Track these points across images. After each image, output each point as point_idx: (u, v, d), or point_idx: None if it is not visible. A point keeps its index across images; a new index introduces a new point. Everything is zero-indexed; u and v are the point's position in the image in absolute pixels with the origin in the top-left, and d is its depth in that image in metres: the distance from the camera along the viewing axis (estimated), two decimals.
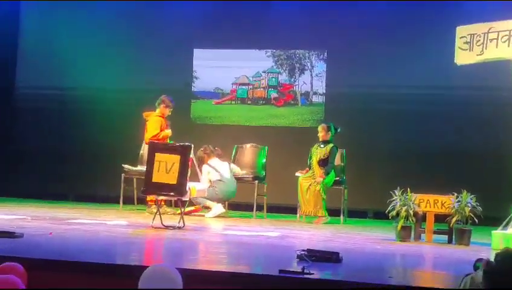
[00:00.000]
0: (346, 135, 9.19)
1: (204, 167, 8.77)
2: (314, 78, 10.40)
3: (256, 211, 8.94)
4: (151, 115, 8.80)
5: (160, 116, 8.76)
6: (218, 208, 8.66)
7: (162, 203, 8.43)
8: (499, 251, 3.50)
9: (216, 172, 8.80)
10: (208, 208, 8.72)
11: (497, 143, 9.01)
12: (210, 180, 8.72)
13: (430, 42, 9.17)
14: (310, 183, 8.62)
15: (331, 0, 10.00)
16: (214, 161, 8.89)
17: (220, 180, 8.78)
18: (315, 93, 10.40)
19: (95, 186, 10.27)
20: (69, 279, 4.34)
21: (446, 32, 6.88)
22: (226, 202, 9.09)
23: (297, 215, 8.74)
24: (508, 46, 6.33)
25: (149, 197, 8.27)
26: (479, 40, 6.46)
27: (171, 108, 8.85)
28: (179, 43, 10.53)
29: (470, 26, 6.62)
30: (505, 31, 6.34)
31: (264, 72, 10.57)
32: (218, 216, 8.62)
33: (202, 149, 8.88)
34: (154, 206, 7.60)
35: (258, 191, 8.99)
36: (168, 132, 8.68)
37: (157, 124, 8.69)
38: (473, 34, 6.54)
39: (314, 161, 8.73)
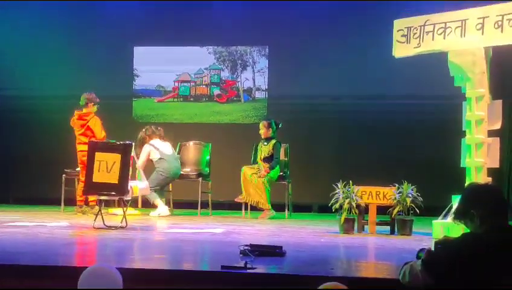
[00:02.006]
0: (289, 130, 9.23)
1: (145, 147, 8.77)
2: (256, 74, 10.40)
3: (201, 208, 8.88)
4: (89, 116, 8.61)
5: (96, 116, 8.63)
6: (163, 210, 8.56)
7: (81, 203, 8.38)
8: (438, 240, 3.56)
9: (156, 150, 8.76)
10: (155, 206, 8.64)
11: (436, 135, 9.19)
12: (152, 161, 8.73)
13: (374, 35, 9.16)
14: (254, 172, 8.60)
15: None
16: (155, 141, 8.84)
17: (161, 158, 8.73)
18: (258, 89, 10.41)
19: (35, 188, 10.03)
20: (8, 283, 4.20)
21: (389, 25, 6.92)
22: (171, 202, 8.98)
23: (242, 211, 8.71)
24: (444, 38, 6.44)
25: (91, 198, 8.13)
26: (416, 33, 6.55)
27: (98, 104, 8.68)
28: (118, 41, 10.37)
29: (407, 19, 6.71)
30: (441, 23, 6.45)
31: (206, 69, 10.52)
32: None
33: (144, 130, 8.88)
34: (97, 206, 7.49)
35: (202, 188, 8.94)
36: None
37: (100, 125, 8.57)
38: (410, 27, 6.64)
39: (259, 158, 8.73)
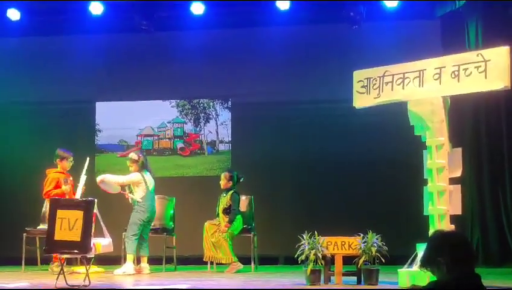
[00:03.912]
0: (253, 181, 9.22)
1: (137, 175, 8.35)
2: (219, 127, 10.43)
3: (165, 264, 8.74)
4: (51, 172, 8.55)
5: (59, 172, 8.52)
6: (129, 268, 8.30)
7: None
8: (405, 289, 3.55)
9: (145, 187, 8.33)
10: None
11: (401, 186, 9.21)
12: (131, 195, 8.33)
13: (333, 86, 9.31)
14: (215, 229, 8.52)
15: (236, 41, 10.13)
16: (148, 175, 8.43)
17: (145, 196, 8.33)
18: (221, 141, 10.43)
19: None
20: None
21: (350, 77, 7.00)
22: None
23: (208, 265, 8.60)
24: (403, 88, 6.56)
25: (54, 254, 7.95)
26: (375, 84, 6.66)
27: (69, 158, 8.58)
28: (80, 97, 10.32)
29: (366, 71, 6.82)
30: (399, 74, 6.57)
31: (169, 122, 10.52)
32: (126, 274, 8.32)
33: (142, 155, 8.50)
34: (57, 264, 7.32)
35: (166, 243, 8.82)
36: (65, 188, 8.40)
37: (53, 181, 8.45)
38: (370, 78, 6.74)
39: (219, 210, 8.68)
